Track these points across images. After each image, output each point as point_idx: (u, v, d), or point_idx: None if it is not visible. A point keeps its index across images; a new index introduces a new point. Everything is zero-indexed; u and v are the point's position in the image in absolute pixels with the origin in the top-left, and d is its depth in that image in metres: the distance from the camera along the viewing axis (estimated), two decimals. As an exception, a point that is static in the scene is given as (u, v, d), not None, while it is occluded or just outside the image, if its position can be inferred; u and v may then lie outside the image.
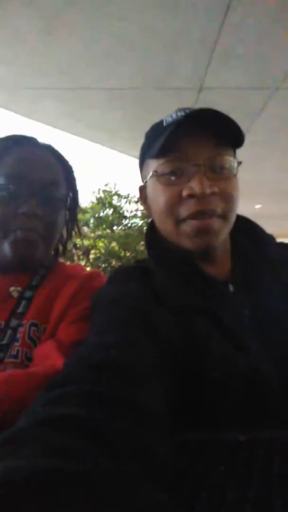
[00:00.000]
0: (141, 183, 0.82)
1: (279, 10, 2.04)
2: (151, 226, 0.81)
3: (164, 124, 0.71)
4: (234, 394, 0.57)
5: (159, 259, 0.74)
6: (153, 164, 0.71)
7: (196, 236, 0.67)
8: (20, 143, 0.84)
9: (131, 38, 2.28)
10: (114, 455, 0.32)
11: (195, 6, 2.01)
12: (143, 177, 0.79)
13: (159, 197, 0.70)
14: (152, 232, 0.80)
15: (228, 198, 0.67)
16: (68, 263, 0.97)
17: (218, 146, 0.67)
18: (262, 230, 0.81)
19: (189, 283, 0.69)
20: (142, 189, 0.81)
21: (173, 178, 0.68)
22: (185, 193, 0.66)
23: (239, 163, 0.71)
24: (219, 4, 2.00)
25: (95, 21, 2.13)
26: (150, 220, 0.83)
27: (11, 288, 0.81)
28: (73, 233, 0.97)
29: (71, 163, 0.91)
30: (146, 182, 0.77)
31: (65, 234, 0.96)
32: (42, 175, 0.80)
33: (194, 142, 0.66)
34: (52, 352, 0.68)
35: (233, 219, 0.71)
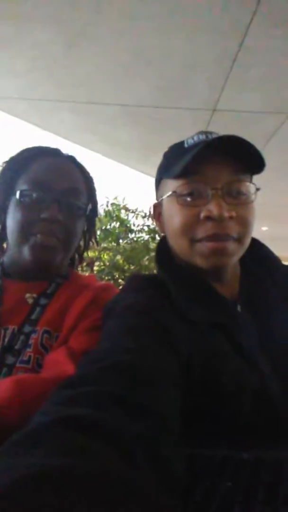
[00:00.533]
0: (156, 200, 0.83)
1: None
2: (163, 242, 0.82)
3: (186, 145, 0.72)
4: (244, 410, 0.57)
5: (171, 274, 0.74)
6: (172, 184, 0.72)
7: (211, 256, 0.68)
8: (45, 153, 0.87)
9: (149, 57, 2.34)
10: (128, 459, 0.33)
11: (214, 28, 2.06)
12: (159, 196, 0.80)
13: (176, 216, 0.71)
14: (163, 248, 0.81)
15: (244, 223, 0.68)
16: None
17: (237, 171, 0.68)
18: (270, 252, 0.83)
19: (201, 299, 0.69)
20: (157, 206, 0.82)
21: (190, 199, 0.69)
22: (203, 214, 0.67)
23: (258, 189, 0.71)
24: (237, 27, 2.04)
25: (115, 37, 2.18)
26: (161, 236, 0.85)
27: (27, 295, 0.82)
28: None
29: (90, 174, 0.94)
30: (161, 200, 0.78)
31: (82, 244, 0.98)
32: (64, 183, 0.83)
33: (214, 166, 0.67)
34: (63, 359, 0.68)
35: (247, 243, 0.71)
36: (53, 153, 0.89)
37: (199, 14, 1.95)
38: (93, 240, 1.01)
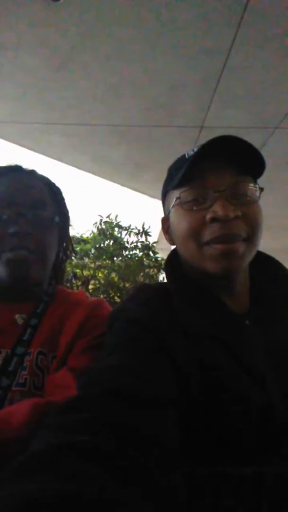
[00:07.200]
0: (164, 215, 0.84)
1: (279, 53, 2.15)
2: (173, 254, 0.82)
3: (186, 157, 0.73)
4: (246, 428, 0.56)
5: (177, 285, 0.74)
6: (176, 193, 0.72)
7: (220, 258, 0.67)
8: (7, 172, 0.87)
9: (136, 78, 2.40)
10: (125, 484, 0.34)
11: (198, 49, 2.13)
12: (166, 209, 0.81)
13: (182, 222, 0.71)
14: (172, 259, 0.81)
15: (251, 222, 0.68)
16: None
17: (239, 174, 0.69)
18: (280, 265, 0.82)
19: (208, 313, 0.68)
20: (165, 221, 0.82)
21: (195, 204, 0.69)
22: (209, 216, 0.66)
23: (261, 189, 0.72)
24: (221, 47, 2.11)
25: (103, 61, 2.24)
26: (172, 249, 0.84)
27: (16, 316, 0.81)
28: (73, 263, 0.97)
29: (57, 185, 0.94)
30: (169, 212, 0.78)
31: (60, 255, 0.97)
32: (28, 197, 0.83)
33: (215, 170, 0.68)
34: (72, 382, 0.68)
35: (258, 243, 0.71)
36: (14, 170, 0.89)
37: (183, 36, 2.01)
38: (70, 250, 1.00)
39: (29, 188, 0.85)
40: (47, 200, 0.88)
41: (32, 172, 0.91)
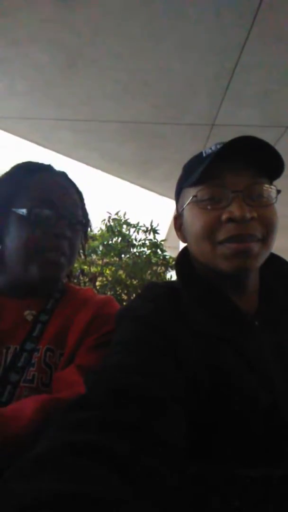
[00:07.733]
0: (176, 213, 0.83)
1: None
2: (184, 252, 0.82)
3: (204, 155, 0.73)
4: (254, 429, 0.56)
5: (187, 283, 0.74)
6: (192, 191, 0.72)
7: (234, 257, 0.66)
8: (41, 170, 0.87)
9: (146, 76, 2.38)
10: (130, 484, 0.34)
11: (210, 47, 2.10)
12: (180, 206, 0.80)
13: (197, 220, 0.70)
14: (184, 257, 0.81)
15: (267, 223, 0.68)
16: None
17: (257, 175, 0.69)
18: None
19: (217, 312, 0.68)
20: (177, 218, 0.82)
21: (211, 203, 0.69)
22: (225, 216, 0.66)
23: (279, 191, 0.71)
24: (234, 44, 2.08)
25: (113, 58, 2.23)
26: (183, 247, 0.84)
27: (26, 312, 0.81)
28: (80, 259, 0.98)
29: (80, 188, 0.94)
30: (182, 210, 0.77)
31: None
32: (66, 199, 0.84)
33: (234, 170, 0.67)
34: (79, 379, 0.68)
35: (272, 244, 0.71)
36: (49, 170, 0.89)
37: (196, 33, 1.99)
38: (81, 252, 1.00)
39: (65, 190, 0.86)
40: (78, 202, 0.89)
41: (65, 174, 0.91)
